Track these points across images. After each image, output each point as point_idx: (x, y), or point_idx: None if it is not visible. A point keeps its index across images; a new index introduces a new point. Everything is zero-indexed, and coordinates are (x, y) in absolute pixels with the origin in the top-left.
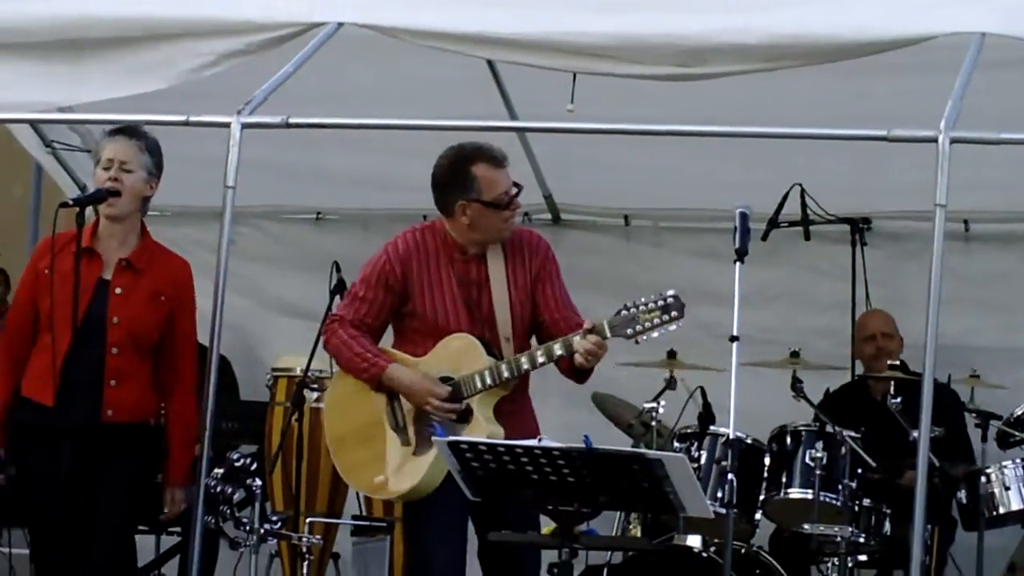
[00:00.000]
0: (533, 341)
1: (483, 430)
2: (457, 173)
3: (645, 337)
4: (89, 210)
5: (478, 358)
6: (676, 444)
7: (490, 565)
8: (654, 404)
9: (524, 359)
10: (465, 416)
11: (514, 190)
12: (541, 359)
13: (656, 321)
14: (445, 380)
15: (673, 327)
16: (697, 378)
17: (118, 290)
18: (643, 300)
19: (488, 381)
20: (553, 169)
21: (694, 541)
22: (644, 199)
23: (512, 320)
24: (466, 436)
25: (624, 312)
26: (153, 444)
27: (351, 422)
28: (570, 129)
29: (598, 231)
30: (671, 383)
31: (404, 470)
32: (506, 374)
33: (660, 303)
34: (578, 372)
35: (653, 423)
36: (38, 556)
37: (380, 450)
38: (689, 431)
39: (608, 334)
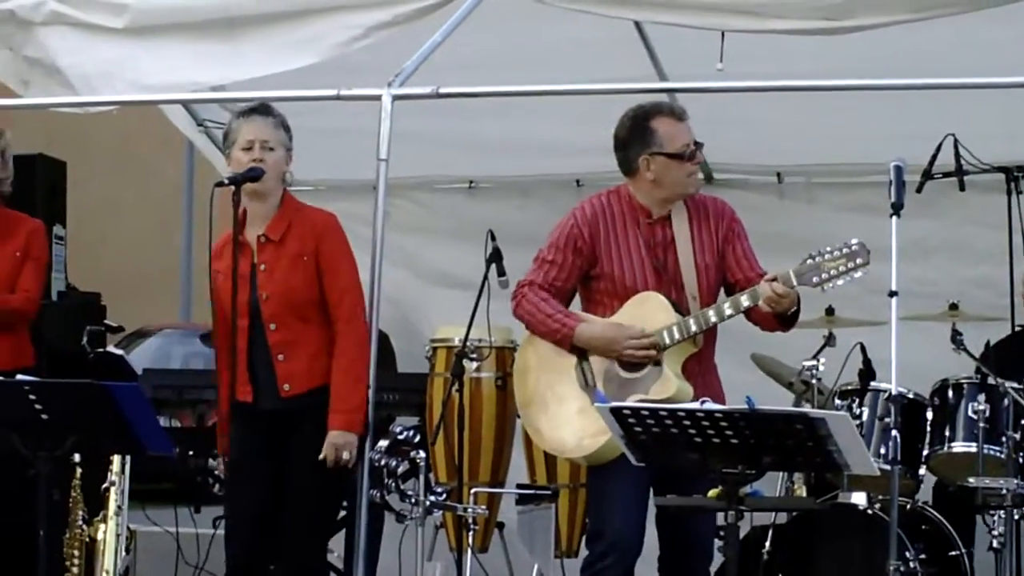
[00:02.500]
0: (721, 294)
1: (672, 386)
2: (638, 129)
3: (831, 285)
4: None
5: (666, 314)
6: (837, 401)
7: (665, 529)
8: (814, 362)
9: (711, 312)
10: (654, 373)
11: (694, 145)
12: (728, 311)
13: (841, 268)
14: None
15: (858, 274)
16: (856, 334)
17: (263, 267)
18: (828, 248)
19: (677, 335)
20: (704, 128)
21: (859, 499)
22: (796, 155)
23: (698, 280)
24: (655, 392)
25: (809, 261)
26: None
27: (540, 385)
28: (721, 88)
29: (751, 189)
30: (830, 340)
31: (592, 431)
32: (693, 328)
33: (845, 251)
34: (780, 318)
35: (813, 381)
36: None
37: (569, 411)
38: (850, 388)
39: (794, 282)
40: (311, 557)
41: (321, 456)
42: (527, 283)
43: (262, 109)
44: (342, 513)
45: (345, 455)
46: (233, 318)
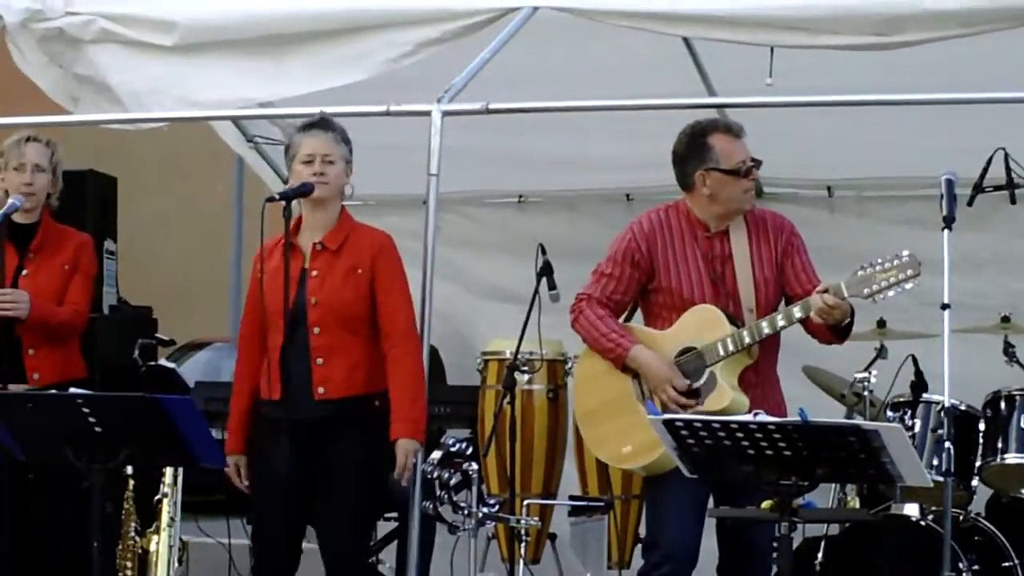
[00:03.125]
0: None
1: (726, 398)
2: (695, 145)
3: (882, 296)
4: (295, 206)
5: (721, 327)
6: (889, 413)
7: (724, 539)
8: (865, 374)
9: (765, 323)
10: (708, 384)
11: (751, 162)
12: (781, 323)
13: (892, 280)
14: (688, 350)
15: (909, 285)
16: (908, 346)
17: (314, 273)
18: (879, 260)
19: (730, 347)
20: (753, 143)
21: (911, 510)
22: (846, 169)
23: (756, 294)
24: (710, 404)
25: (860, 272)
26: (381, 423)
27: (599, 396)
28: (770, 103)
29: (801, 203)
30: (882, 352)
31: (649, 442)
32: (747, 339)
33: (896, 262)
34: (834, 330)
35: (865, 393)
36: (259, 550)
37: (627, 422)
38: (902, 400)
39: (845, 294)
40: (357, 559)
41: (397, 468)
42: (585, 297)
43: (323, 123)
44: (394, 525)
45: (412, 461)
46: (285, 318)
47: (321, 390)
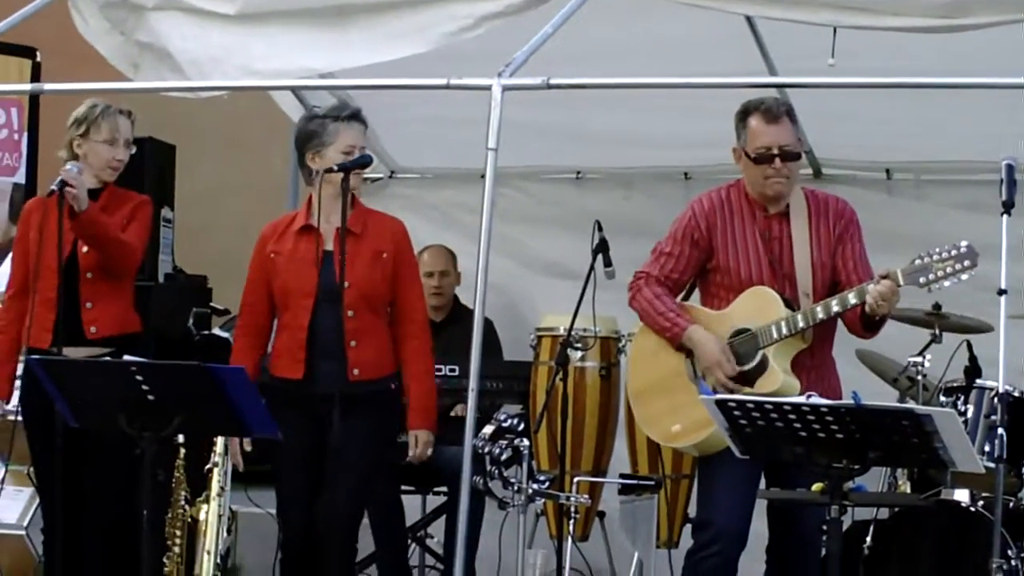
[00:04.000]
0: None
1: (777, 381)
2: (739, 121)
3: (937, 286)
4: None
5: (776, 310)
6: (942, 398)
7: (776, 520)
8: (919, 358)
9: (819, 308)
10: (760, 367)
11: (777, 150)
12: (836, 308)
13: (949, 270)
14: (742, 331)
15: (965, 276)
16: (963, 332)
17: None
18: (937, 250)
19: (784, 331)
20: (814, 123)
21: (962, 496)
22: (906, 152)
23: (813, 278)
24: (761, 386)
25: (918, 261)
26: (392, 405)
27: (653, 374)
28: (829, 84)
29: (859, 185)
30: (936, 337)
31: (699, 421)
32: (801, 323)
33: (954, 252)
34: (866, 323)
35: (919, 377)
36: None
37: (679, 401)
38: (955, 385)
39: (901, 282)
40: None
41: (412, 453)
42: (644, 275)
43: (358, 115)
44: (443, 499)
45: (429, 451)
46: (317, 298)
47: (356, 371)
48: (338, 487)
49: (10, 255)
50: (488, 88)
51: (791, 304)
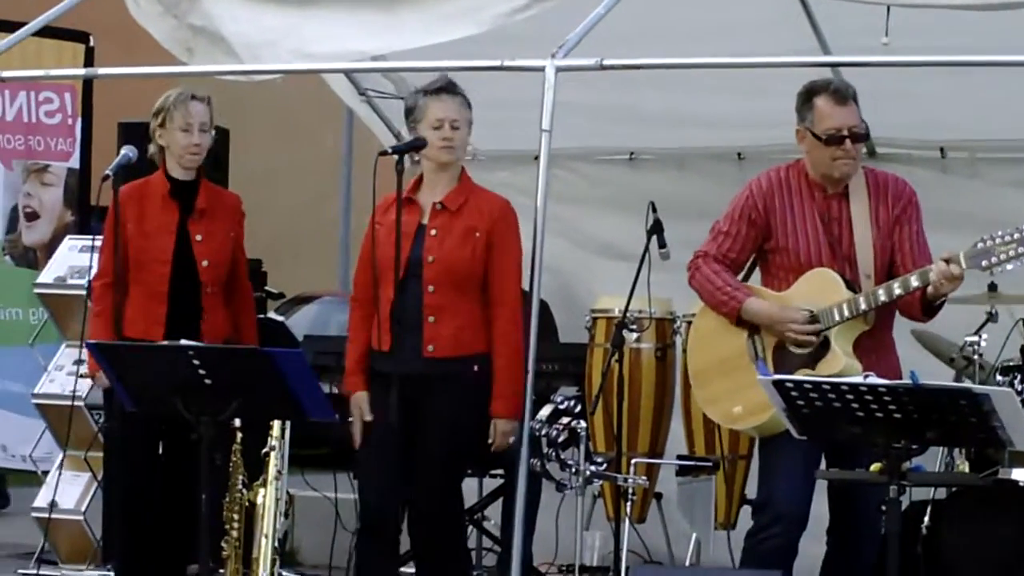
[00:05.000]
0: None
1: (839, 363)
2: (804, 102)
3: (1000, 269)
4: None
5: (837, 292)
6: (999, 378)
7: (836, 501)
8: (975, 338)
9: (881, 291)
10: (822, 349)
11: (847, 131)
12: (897, 290)
13: (1012, 253)
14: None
15: None
16: (1019, 311)
17: (433, 231)
18: (999, 233)
19: (845, 313)
20: (867, 102)
21: (1020, 475)
22: (960, 131)
23: (874, 259)
24: (822, 368)
25: (980, 244)
26: (477, 388)
27: (713, 356)
28: (882, 63)
29: (913, 164)
30: (992, 316)
31: (760, 403)
32: (863, 306)
33: (1016, 235)
34: (926, 307)
35: (975, 357)
36: (364, 502)
37: (740, 382)
38: (1011, 364)
39: (964, 265)
40: (439, 518)
41: (491, 441)
42: (702, 254)
43: (450, 87)
44: (500, 482)
45: (511, 440)
46: (396, 270)
47: (431, 348)
48: (419, 486)
49: (67, 239)
50: (542, 69)
51: (852, 286)
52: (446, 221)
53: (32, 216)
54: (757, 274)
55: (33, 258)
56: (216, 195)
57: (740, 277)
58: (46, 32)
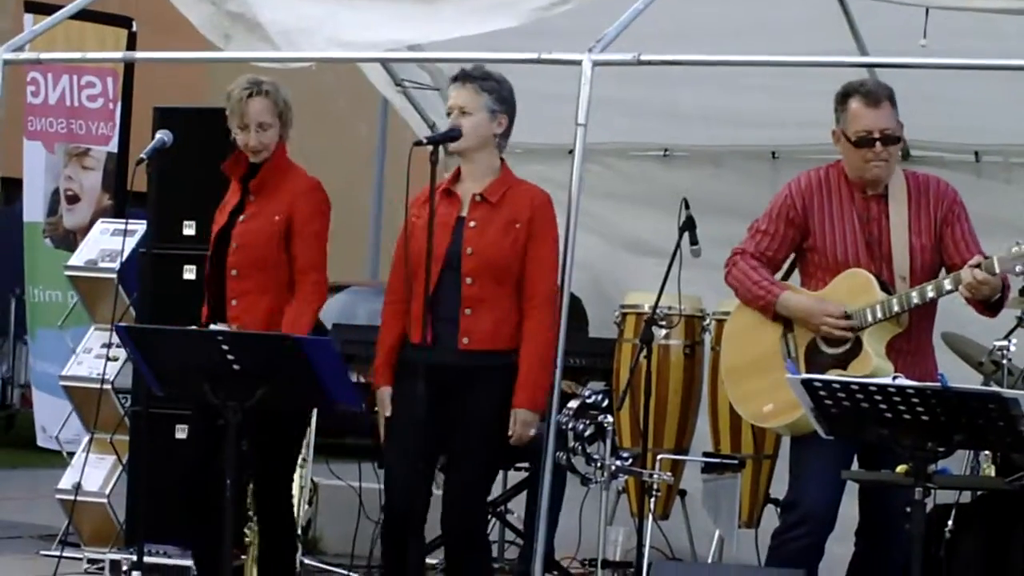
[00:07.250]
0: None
1: (870, 364)
2: (839, 103)
3: None
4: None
5: (872, 293)
6: None
7: (866, 502)
8: (1005, 342)
9: (914, 293)
10: (854, 350)
11: (878, 133)
12: (931, 293)
13: None
14: None
15: None
16: None
17: (472, 223)
18: None
19: (879, 314)
20: (903, 104)
21: None
22: (995, 135)
23: (911, 261)
24: (853, 369)
25: (1015, 249)
26: (511, 383)
27: (747, 353)
28: (918, 64)
29: (947, 167)
30: (1022, 321)
31: (791, 401)
32: (896, 308)
33: None
34: (983, 304)
35: (1004, 361)
36: (389, 493)
37: (773, 381)
38: None
39: (996, 270)
40: (473, 511)
41: (510, 433)
42: (740, 251)
43: (463, 75)
44: (525, 475)
45: (531, 432)
46: (428, 263)
47: (466, 340)
48: (452, 481)
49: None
50: (579, 63)
51: (887, 287)
52: (486, 213)
53: (73, 199)
54: (796, 277)
55: (73, 241)
56: (279, 177)
57: (779, 278)
58: (89, 16)
